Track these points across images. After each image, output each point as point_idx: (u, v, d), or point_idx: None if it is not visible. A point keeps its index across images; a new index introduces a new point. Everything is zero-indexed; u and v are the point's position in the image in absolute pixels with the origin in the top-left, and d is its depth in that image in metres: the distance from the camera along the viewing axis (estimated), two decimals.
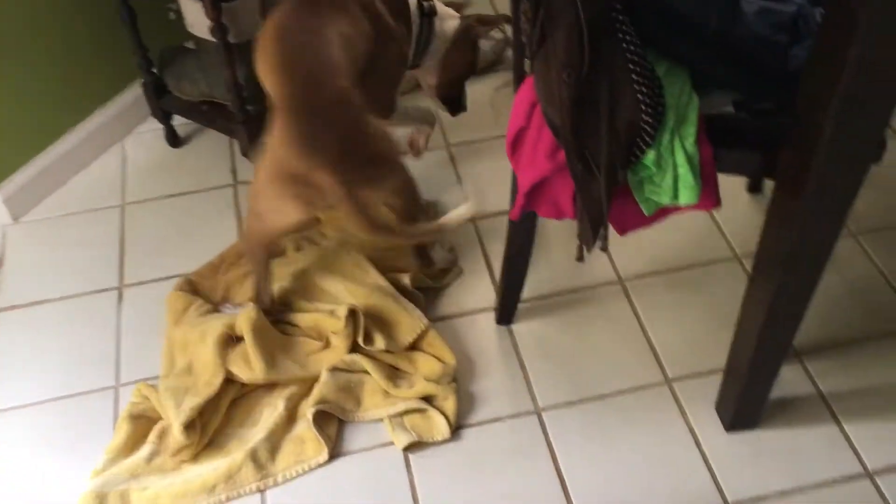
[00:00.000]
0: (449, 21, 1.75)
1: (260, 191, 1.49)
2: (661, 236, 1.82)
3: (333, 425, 1.56)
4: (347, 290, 1.70)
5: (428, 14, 1.72)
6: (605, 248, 1.26)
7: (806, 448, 1.49)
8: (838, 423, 1.52)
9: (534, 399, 1.60)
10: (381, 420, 1.57)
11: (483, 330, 1.71)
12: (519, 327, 1.71)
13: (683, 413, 1.56)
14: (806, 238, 1.18)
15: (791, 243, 1.18)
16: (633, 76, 1.12)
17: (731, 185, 1.90)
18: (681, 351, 1.65)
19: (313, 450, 1.52)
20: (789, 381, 1.58)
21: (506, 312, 1.70)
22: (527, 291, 1.73)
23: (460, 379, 1.63)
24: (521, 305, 1.73)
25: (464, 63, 1.80)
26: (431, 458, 1.52)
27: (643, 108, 1.13)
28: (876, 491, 1.43)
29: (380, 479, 1.50)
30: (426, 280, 1.75)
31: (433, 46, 1.75)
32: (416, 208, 1.61)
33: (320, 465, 1.50)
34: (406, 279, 1.72)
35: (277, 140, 1.41)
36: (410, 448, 1.53)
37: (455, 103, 1.87)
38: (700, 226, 1.86)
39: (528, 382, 1.62)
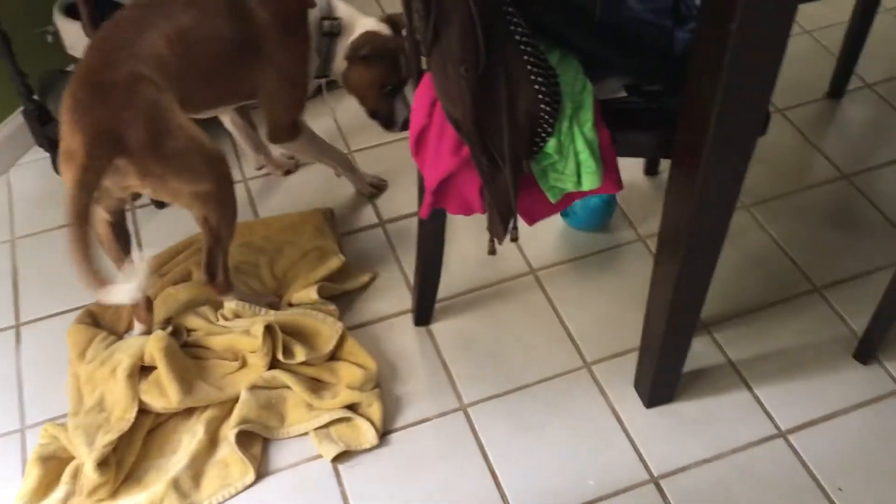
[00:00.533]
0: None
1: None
2: (565, 231, 1.87)
3: (258, 444, 1.52)
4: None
5: (328, 33, 1.68)
6: (515, 239, 1.27)
7: (722, 415, 1.55)
8: (749, 388, 1.59)
9: (458, 396, 1.60)
10: (307, 434, 1.54)
11: (402, 333, 1.71)
12: (438, 327, 1.71)
13: (604, 394, 1.59)
14: (703, 212, 1.22)
15: (690, 219, 1.22)
16: (529, 67, 1.14)
17: (630, 170, 1.98)
18: (597, 334, 1.68)
19: (239, 472, 1.48)
20: (700, 352, 1.64)
21: (423, 313, 1.70)
22: (442, 290, 1.74)
23: (384, 384, 1.62)
24: (437, 305, 1.73)
25: (374, 78, 1.74)
26: (361, 466, 1.50)
27: (541, 97, 1.15)
28: (790, 449, 1.49)
29: (310, 493, 1.47)
30: (333, 288, 1.73)
31: (334, 65, 1.73)
32: (225, 229, 1.55)
33: (247, 487, 1.47)
34: (313, 292, 1.69)
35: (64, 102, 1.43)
36: (339, 458, 1.50)
37: (386, 119, 1.80)
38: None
39: (452, 380, 1.63)
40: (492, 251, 1.34)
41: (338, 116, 2.09)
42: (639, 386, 1.57)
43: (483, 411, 1.58)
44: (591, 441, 1.53)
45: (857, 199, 1.91)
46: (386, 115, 1.78)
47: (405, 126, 1.74)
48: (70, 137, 1.37)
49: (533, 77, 1.14)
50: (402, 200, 1.95)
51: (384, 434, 1.54)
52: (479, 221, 1.31)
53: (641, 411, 1.56)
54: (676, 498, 1.44)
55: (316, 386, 1.59)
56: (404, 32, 1.65)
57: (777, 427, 1.52)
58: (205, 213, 1.51)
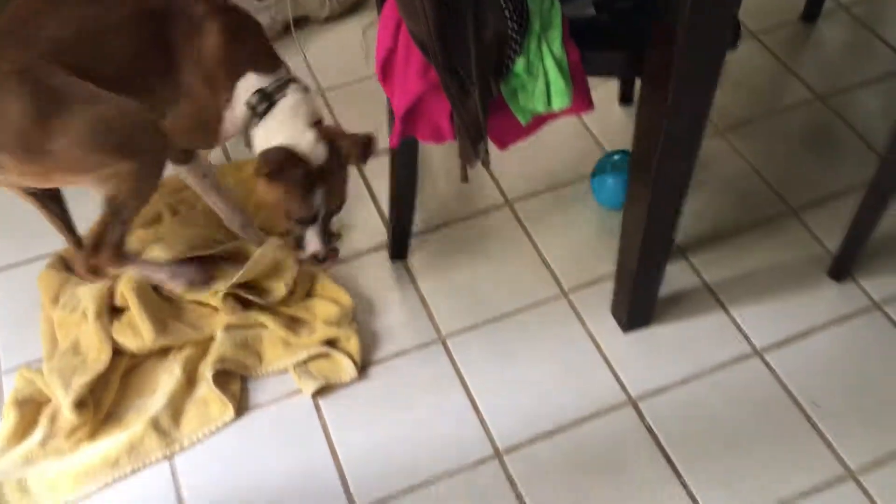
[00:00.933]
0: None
1: None
2: (543, 155, 1.85)
3: (236, 382, 1.51)
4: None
5: (252, 108, 1.42)
6: (486, 164, 1.26)
7: (698, 337, 1.56)
8: (725, 309, 1.59)
9: (437, 328, 1.60)
10: (286, 371, 1.54)
11: (379, 268, 1.70)
12: (414, 260, 1.70)
13: (582, 321, 1.59)
14: (675, 128, 1.21)
15: (662, 135, 1.21)
16: None
17: (604, 98, 1.96)
18: (574, 262, 1.68)
19: (218, 410, 1.47)
20: (676, 277, 1.64)
21: (399, 247, 1.69)
22: (418, 225, 1.73)
23: (362, 319, 1.61)
24: (414, 239, 1.72)
25: (276, 201, 1.42)
26: (342, 400, 1.51)
27: (507, 14, 1.13)
28: (766, 367, 1.51)
29: (291, 427, 1.47)
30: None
31: (253, 147, 1.46)
32: (133, 204, 1.38)
33: (227, 424, 1.47)
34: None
35: None
36: (319, 393, 1.51)
37: (294, 244, 1.49)
38: (580, 142, 1.89)
39: (430, 313, 1.62)
40: (464, 178, 1.32)
41: (308, 55, 2.04)
42: (616, 311, 1.58)
43: (461, 341, 1.58)
44: (568, 366, 1.53)
45: (831, 120, 1.90)
46: (295, 239, 1.48)
47: (320, 260, 1.47)
48: None
49: None
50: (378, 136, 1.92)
51: (363, 368, 1.54)
52: (453, 155, 1.29)
53: (619, 336, 1.57)
54: (654, 418, 1.45)
55: (292, 324, 1.58)
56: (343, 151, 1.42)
57: (752, 346, 1.54)
58: (114, 193, 1.35)
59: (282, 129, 1.40)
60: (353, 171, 1.82)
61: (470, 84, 1.16)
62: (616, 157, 1.72)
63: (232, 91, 1.42)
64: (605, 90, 1.90)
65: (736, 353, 1.53)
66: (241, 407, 1.50)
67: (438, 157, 1.84)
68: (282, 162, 1.36)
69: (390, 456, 1.44)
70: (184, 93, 1.43)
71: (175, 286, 1.55)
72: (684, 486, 1.38)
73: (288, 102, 1.41)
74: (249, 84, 1.41)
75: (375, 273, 1.69)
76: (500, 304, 1.63)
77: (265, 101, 1.41)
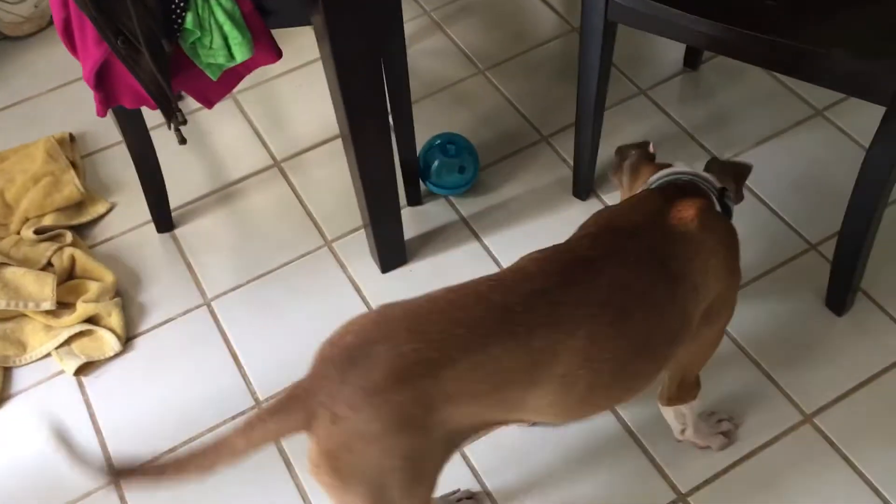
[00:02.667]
0: None
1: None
2: (305, 117, 1.88)
3: None
4: None
5: None
6: (181, 123, 1.28)
7: (454, 269, 1.62)
8: (479, 239, 1.66)
9: (202, 292, 1.62)
10: (49, 355, 1.55)
11: (146, 242, 1.71)
12: (182, 230, 1.72)
13: (344, 268, 1.64)
14: (351, 88, 1.24)
15: (343, 87, 1.25)
16: None
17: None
18: (338, 213, 1.72)
19: None
20: (436, 213, 1.70)
21: (162, 220, 1.70)
22: (186, 194, 1.75)
23: (129, 292, 1.62)
24: (185, 208, 1.74)
25: None
26: (106, 375, 1.52)
27: None
28: None
29: (55, 409, 1.48)
30: (66, 221, 1.70)
31: None
32: None
33: None
34: (47, 221, 1.68)
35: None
36: (83, 371, 1.52)
37: None
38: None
39: (196, 278, 1.64)
40: (181, 140, 1.34)
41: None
42: (373, 255, 1.63)
43: (227, 303, 1.61)
44: (331, 313, 1.56)
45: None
46: None
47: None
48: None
49: None
50: (148, 116, 1.92)
51: (129, 340, 1.56)
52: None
53: (378, 277, 1.62)
54: None
55: (56, 309, 1.58)
56: None
57: (500, 267, 1.61)
58: None
59: None
60: (110, 162, 1.84)
61: (138, 44, 1.17)
62: (438, 141, 1.70)
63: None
64: None
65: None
66: (2, 397, 1.50)
67: (201, 125, 1.86)
68: None
69: (154, 422, 1.46)
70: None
71: None
72: None
73: None
74: None
75: (143, 247, 1.70)
76: (266, 261, 1.66)
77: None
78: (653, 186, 1.20)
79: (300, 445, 0.99)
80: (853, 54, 1.16)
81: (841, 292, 1.48)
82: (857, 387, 1.43)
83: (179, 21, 1.19)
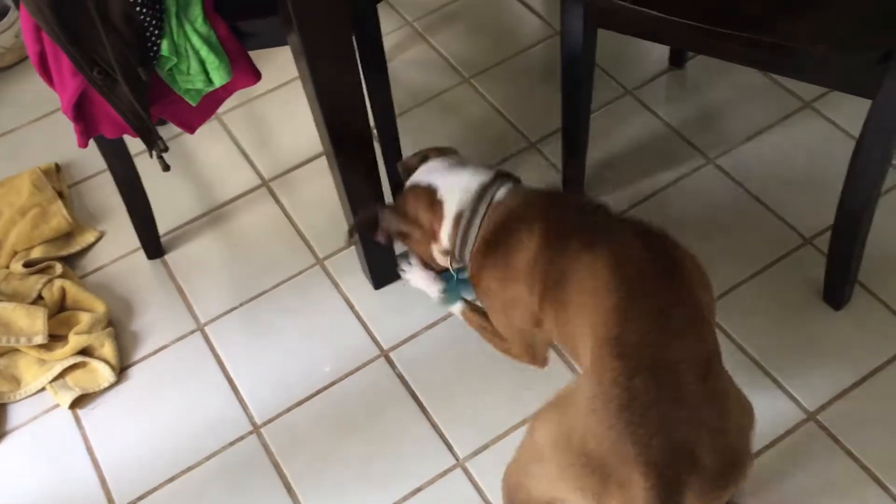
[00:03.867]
0: None
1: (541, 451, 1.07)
2: (292, 135, 1.87)
3: None
4: None
5: None
6: (163, 150, 1.27)
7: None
8: None
9: (195, 317, 1.61)
10: (44, 389, 1.53)
11: (136, 269, 1.69)
12: (172, 256, 1.70)
13: (337, 286, 1.63)
14: (329, 96, 1.23)
15: (322, 105, 1.24)
16: None
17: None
18: (329, 231, 1.70)
19: None
20: None
21: (151, 246, 1.68)
22: (175, 218, 1.74)
23: (121, 322, 1.61)
24: (174, 233, 1.73)
25: None
26: (101, 407, 1.51)
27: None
28: None
29: (50, 443, 1.47)
30: (55, 252, 1.69)
31: None
32: None
33: None
34: (35, 253, 1.67)
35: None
36: (78, 403, 1.51)
37: None
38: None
39: (188, 303, 1.63)
40: (164, 167, 1.33)
41: None
42: (364, 271, 1.62)
43: (220, 326, 1.59)
44: (325, 331, 1.57)
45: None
46: None
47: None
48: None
49: None
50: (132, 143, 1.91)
51: (123, 370, 1.55)
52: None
53: (371, 293, 1.61)
54: (404, 365, 1.50)
55: (48, 342, 1.57)
56: None
57: None
58: None
59: None
60: (100, 194, 1.82)
61: (114, 74, 1.16)
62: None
63: None
64: None
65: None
66: None
67: (187, 148, 1.85)
68: None
69: (151, 452, 1.45)
70: None
71: None
72: (433, 424, 1.43)
73: None
74: None
75: (134, 275, 1.69)
76: (258, 283, 1.65)
77: None
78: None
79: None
80: (835, 48, 1.14)
81: (838, 286, 1.46)
82: (859, 381, 1.41)
83: (155, 48, 1.18)
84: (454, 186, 1.25)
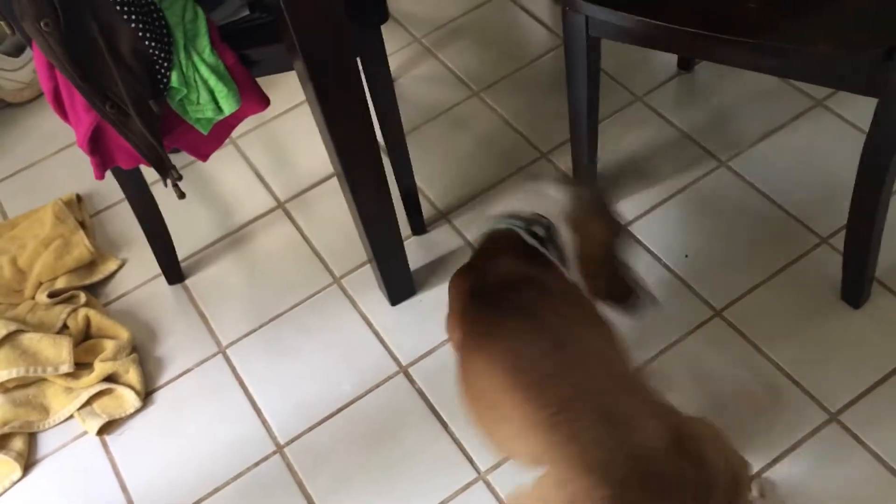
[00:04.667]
0: None
1: None
2: (305, 156, 1.89)
3: (21, 440, 1.52)
4: None
5: None
6: (177, 179, 1.30)
7: None
8: None
9: (217, 341, 1.63)
10: (72, 417, 1.56)
11: (158, 295, 1.72)
12: (192, 280, 1.73)
13: (354, 303, 1.64)
14: (336, 117, 1.25)
15: (329, 127, 1.25)
16: (117, 7, 1.14)
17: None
18: (345, 249, 1.72)
19: (6, 471, 1.49)
20: (442, 241, 1.70)
21: (171, 272, 1.71)
22: (194, 243, 1.77)
23: (144, 348, 1.64)
24: (190, 259, 1.75)
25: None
26: (128, 432, 1.53)
27: (141, 35, 1.16)
28: None
29: (80, 470, 1.50)
30: (80, 282, 1.72)
31: None
32: None
33: (15, 483, 1.49)
34: (60, 283, 1.70)
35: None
36: (106, 430, 1.53)
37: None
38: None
39: (209, 326, 1.66)
40: (180, 195, 1.36)
41: None
42: (381, 288, 1.63)
43: (241, 349, 1.62)
44: (344, 349, 1.58)
45: None
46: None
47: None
48: None
49: (126, 17, 1.14)
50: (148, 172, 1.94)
51: (148, 395, 1.57)
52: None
53: (388, 310, 1.62)
54: (423, 380, 1.51)
55: (74, 370, 1.60)
56: None
57: None
58: None
59: None
60: (118, 221, 1.85)
61: (126, 108, 1.19)
62: None
63: None
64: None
65: None
66: (29, 462, 1.51)
67: (204, 173, 1.88)
68: None
69: (178, 475, 1.47)
70: None
71: None
72: (453, 438, 1.44)
73: None
74: None
75: (156, 301, 1.71)
76: (276, 304, 1.67)
77: None
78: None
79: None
80: (837, 48, 1.14)
81: (855, 284, 1.45)
82: (881, 380, 1.40)
83: (165, 81, 1.21)
84: None
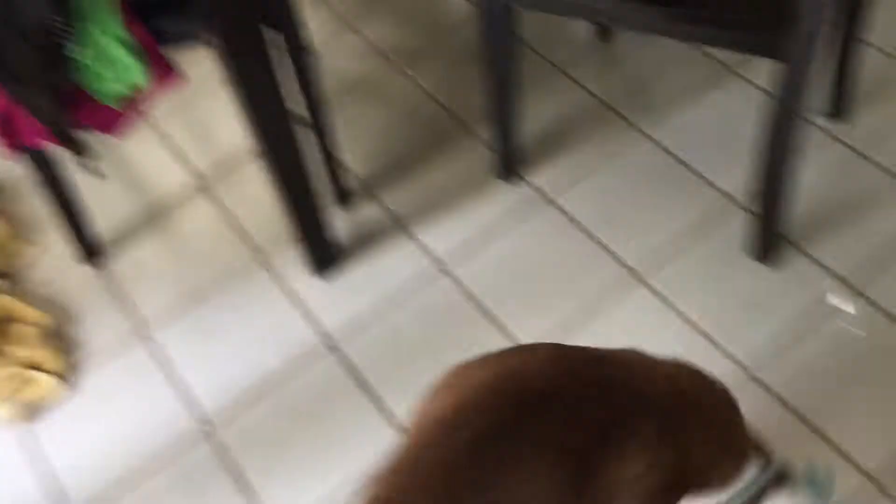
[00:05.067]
0: None
1: None
2: (229, 133, 1.85)
3: None
4: None
5: None
6: (92, 157, 1.27)
7: (387, 266, 1.62)
8: (408, 232, 1.66)
9: (142, 323, 1.61)
10: None
11: (79, 279, 1.68)
12: (115, 263, 1.70)
13: (280, 280, 1.63)
14: (250, 91, 1.24)
15: (243, 101, 1.24)
16: None
17: None
18: (268, 227, 1.70)
19: None
20: (368, 214, 1.70)
21: (92, 254, 1.68)
22: (115, 225, 1.74)
23: (68, 332, 1.61)
24: (115, 241, 1.72)
25: None
26: (51, 420, 1.51)
27: (39, 2, 1.12)
28: (452, 281, 1.59)
29: (2, 460, 1.46)
30: None
31: None
32: None
33: None
34: None
35: None
36: (28, 418, 1.50)
37: None
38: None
39: (134, 308, 1.63)
40: (97, 175, 1.33)
41: None
42: (306, 263, 1.63)
43: (167, 330, 1.59)
44: (270, 325, 1.58)
45: None
46: None
47: None
48: None
49: None
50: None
51: (72, 381, 1.54)
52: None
53: (313, 283, 1.61)
54: (353, 353, 1.51)
55: None
56: None
57: (438, 263, 1.61)
58: None
59: None
60: (37, 198, 1.79)
61: (26, 81, 1.15)
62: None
63: None
64: None
65: (418, 271, 1.60)
66: None
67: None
68: None
69: (107, 461, 1.45)
70: None
71: None
72: (382, 409, 1.45)
73: None
74: None
75: (76, 285, 1.68)
76: (203, 284, 1.65)
77: None
78: None
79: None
80: (740, 14, 1.18)
81: (766, 242, 1.51)
82: (797, 339, 1.45)
83: (70, 55, 1.18)
84: None
